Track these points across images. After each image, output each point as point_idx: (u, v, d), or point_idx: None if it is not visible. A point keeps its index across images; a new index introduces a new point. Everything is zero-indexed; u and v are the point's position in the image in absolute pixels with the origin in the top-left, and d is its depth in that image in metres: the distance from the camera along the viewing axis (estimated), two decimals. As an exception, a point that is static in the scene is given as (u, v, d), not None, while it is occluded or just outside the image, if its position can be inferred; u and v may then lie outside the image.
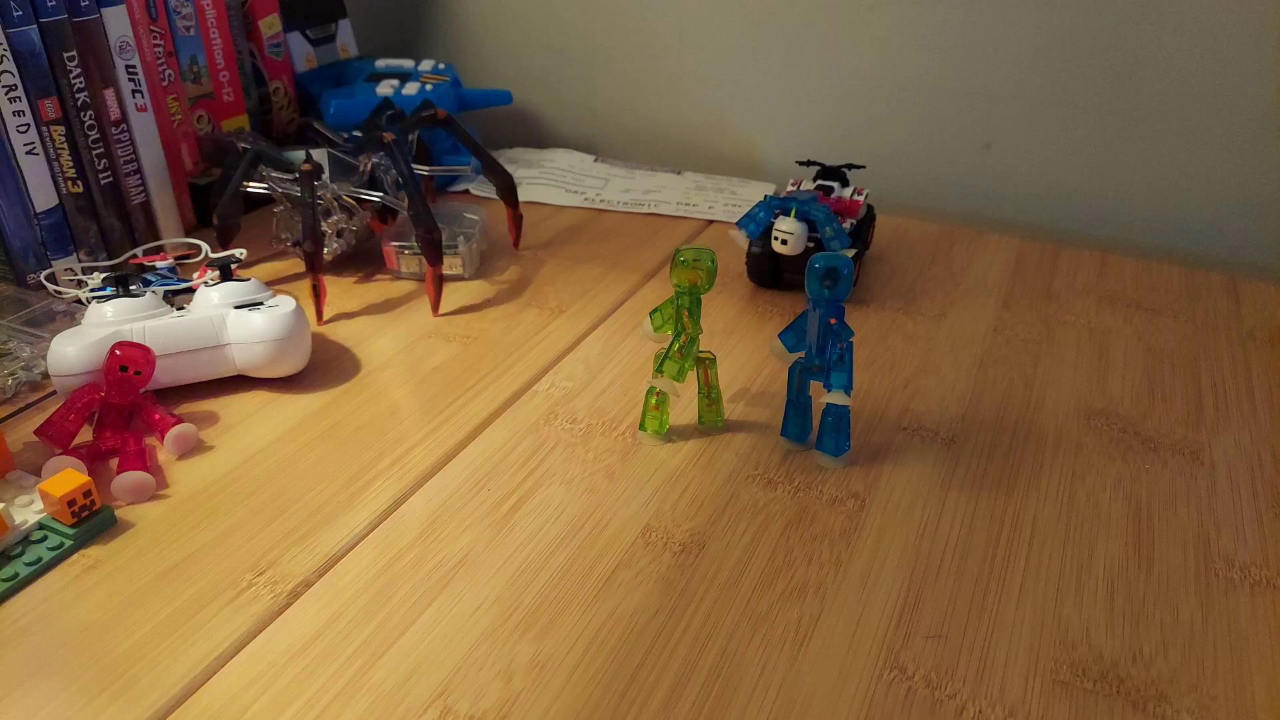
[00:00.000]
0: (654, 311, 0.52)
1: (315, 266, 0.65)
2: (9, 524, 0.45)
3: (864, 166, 0.73)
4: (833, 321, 0.48)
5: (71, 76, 0.68)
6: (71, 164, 0.69)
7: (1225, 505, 0.49)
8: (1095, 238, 0.82)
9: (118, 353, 0.52)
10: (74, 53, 0.67)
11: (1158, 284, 0.71)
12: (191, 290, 0.63)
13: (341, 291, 0.71)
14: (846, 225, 0.67)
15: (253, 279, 0.60)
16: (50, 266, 0.69)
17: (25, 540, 0.46)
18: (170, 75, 0.77)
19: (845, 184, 0.71)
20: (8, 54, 0.64)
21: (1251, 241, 0.76)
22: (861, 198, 0.69)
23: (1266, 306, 0.68)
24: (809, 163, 0.72)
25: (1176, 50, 0.73)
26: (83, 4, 0.67)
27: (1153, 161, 0.77)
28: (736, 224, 0.68)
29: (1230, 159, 0.75)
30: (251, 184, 0.71)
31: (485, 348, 0.63)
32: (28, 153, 0.66)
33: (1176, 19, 0.72)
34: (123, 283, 0.59)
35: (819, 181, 0.72)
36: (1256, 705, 0.38)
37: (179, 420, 0.53)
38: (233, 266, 0.61)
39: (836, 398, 0.49)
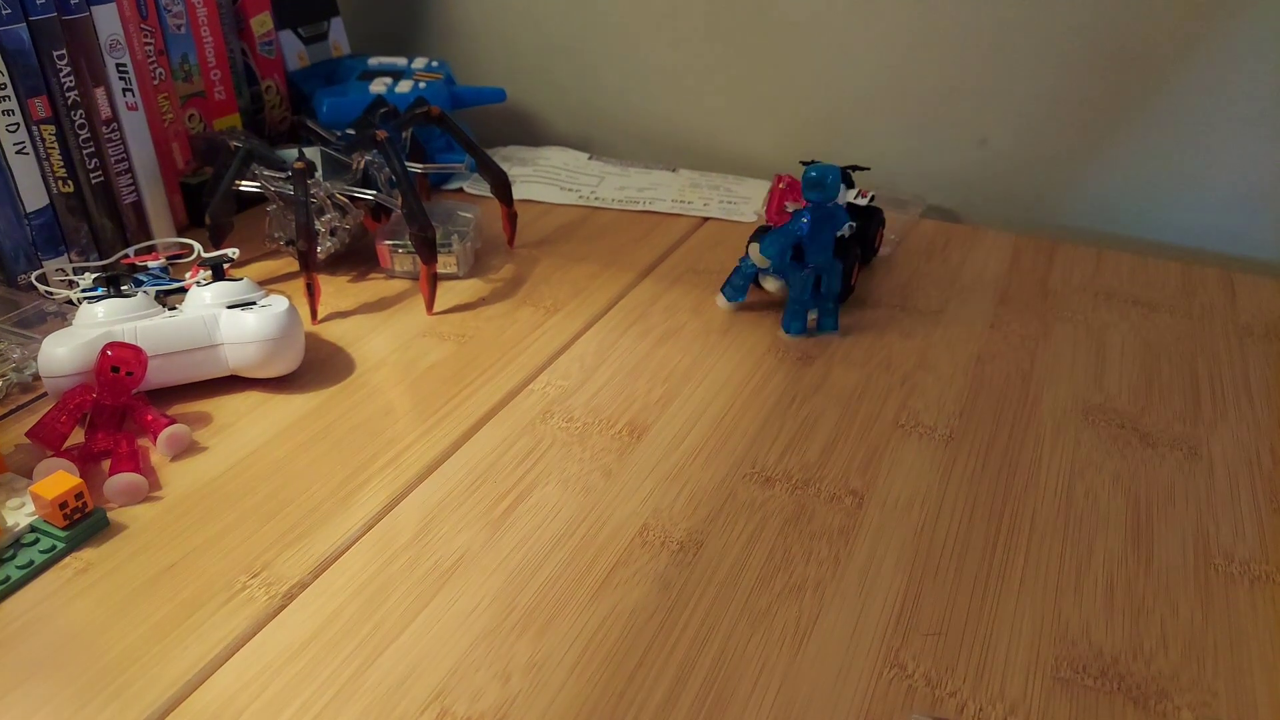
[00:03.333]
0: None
1: (309, 265, 0.64)
2: (0, 527, 0.45)
3: (868, 169, 0.73)
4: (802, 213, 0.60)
5: (61, 75, 0.67)
6: (62, 163, 0.69)
7: (1224, 500, 0.49)
8: (1091, 233, 0.82)
9: (109, 353, 0.52)
10: (64, 51, 0.67)
11: (1154, 279, 0.71)
12: (183, 290, 0.63)
13: (335, 290, 0.71)
14: (845, 230, 0.66)
15: (245, 278, 0.59)
16: (41, 267, 0.69)
17: (17, 543, 0.45)
18: (161, 74, 0.77)
19: (850, 185, 0.71)
20: (-4, 52, 0.63)
21: (1247, 237, 0.76)
22: (866, 200, 0.69)
23: (1262, 301, 0.68)
24: (812, 163, 0.72)
25: (1172, 46, 0.73)
26: (72, 2, 0.67)
27: (1148, 157, 0.77)
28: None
29: (1226, 154, 0.75)
30: (244, 183, 0.70)
31: (480, 346, 0.63)
32: (17, 152, 0.66)
33: (1173, 14, 0.72)
34: (114, 283, 0.59)
35: None
36: (1257, 700, 0.38)
37: (172, 421, 0.52)
38: (225, 266, 0.61)
39: (755, 255, 0.62)
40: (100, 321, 0.55)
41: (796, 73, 0.88)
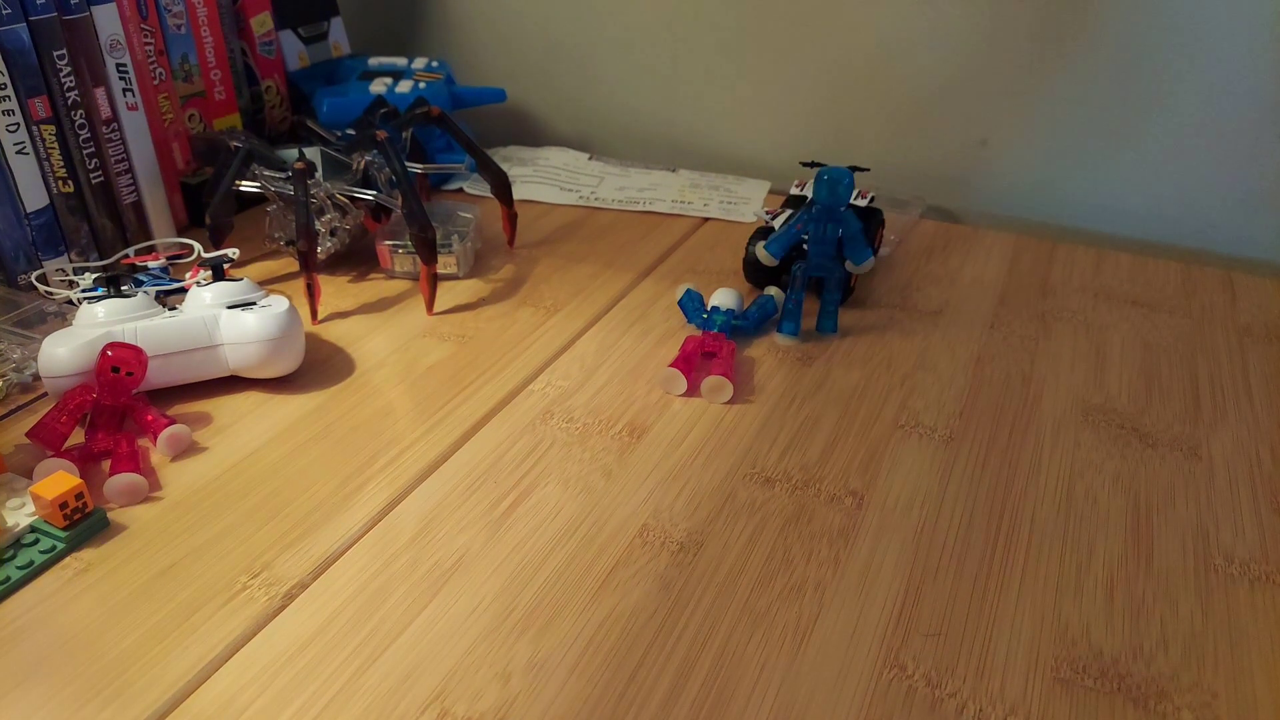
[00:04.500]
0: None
1: (309, 265, 0.64)
2: (0, 527, 0.45)
3: (868, 169, 0.72)
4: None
5: (62, 75, 0.67)
6: (62, 163, 0.69)
7: (1223, 501, 0.49)
8: (1091, 233, 0.82)
9: (109, 353, 0.52)
10: (64, 51, 0.67)
11: (1154, 280, 0.71)
12: (184, 290, 0.63)
13: (335, 291, 0.71)
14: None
15: (245, 279, 0.59)
16: (41, 267, 0.69)
17: (17, 543, 0.45)
18: (161, 74, 0.77)
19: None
20: (-4, 53, 0.63)
21: (1247, 237, 0.76)
22: (866, 200, 0.69)
23: (1262, 302, 0.68)
24: (813, 164, 0.72)
25: (1172, 45, 0.73)
26: (72, 2, 0.67)
27: (1149, 157, 0.77)
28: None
29: (1226, 154, 0.75)
30: (244, 183, 0.70)
31: (480, 347, 0.63)
32: (18, 152, 0.66)
33: (1172, 14, 0.72)
34: (114, 283, 0.59)
35: None
36: (1257, 701, 0.38)
37: (172, 421, 0.52)
38: (225, 266, 0.61)
39: (868, 266, 0.61)
40: (100, 322, 0.55)
41: (796, 73, 0.88)
